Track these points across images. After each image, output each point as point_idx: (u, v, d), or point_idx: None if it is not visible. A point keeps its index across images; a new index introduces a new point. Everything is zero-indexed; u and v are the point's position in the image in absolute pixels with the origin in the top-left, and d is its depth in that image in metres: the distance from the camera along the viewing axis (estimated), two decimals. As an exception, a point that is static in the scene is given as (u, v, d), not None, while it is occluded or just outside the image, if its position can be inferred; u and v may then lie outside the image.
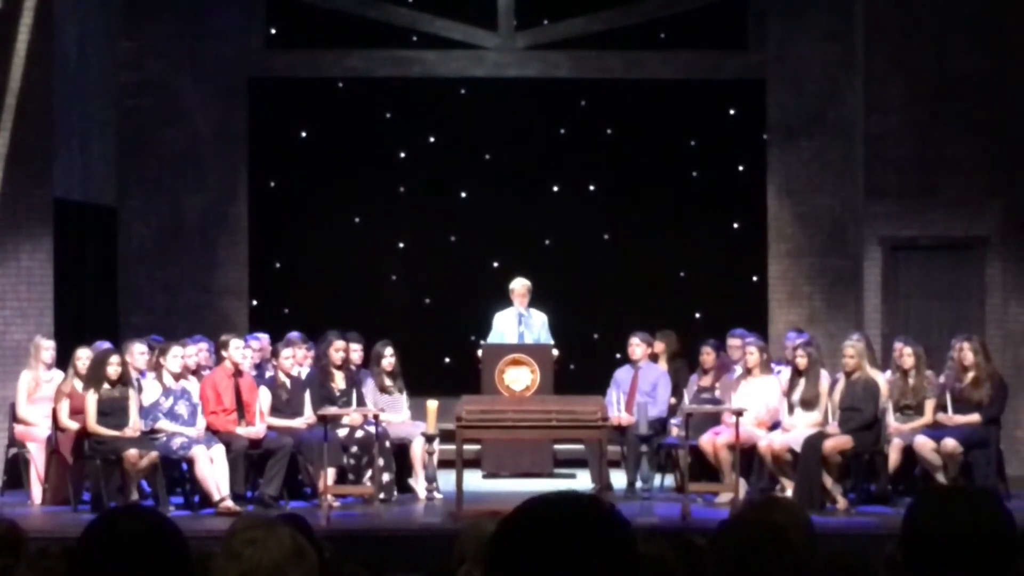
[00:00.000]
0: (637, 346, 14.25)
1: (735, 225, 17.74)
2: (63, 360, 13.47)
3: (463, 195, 17.98)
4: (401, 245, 17.95)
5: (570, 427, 12.56)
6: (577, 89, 17.70)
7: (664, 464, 14.24)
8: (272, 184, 17.66)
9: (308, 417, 13.26)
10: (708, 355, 14.14)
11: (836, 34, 16.74)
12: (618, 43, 17.31)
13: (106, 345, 13.36)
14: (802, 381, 13.17)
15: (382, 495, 13.05)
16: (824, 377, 13.25)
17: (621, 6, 17.31)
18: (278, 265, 17.67)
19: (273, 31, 17.47)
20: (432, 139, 17.94)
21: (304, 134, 17.80)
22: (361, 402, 13.42)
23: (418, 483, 13.57)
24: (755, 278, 17.25)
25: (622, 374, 14.31)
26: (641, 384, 14.13)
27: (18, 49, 14.94)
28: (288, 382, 13.53)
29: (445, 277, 17.56)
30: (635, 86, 17.45)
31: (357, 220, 17.88)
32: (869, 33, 16.25)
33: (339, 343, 13.78)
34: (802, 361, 13.17)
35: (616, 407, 13.80)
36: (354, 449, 13.41)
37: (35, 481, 13.33)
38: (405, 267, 17.74)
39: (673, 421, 13.95)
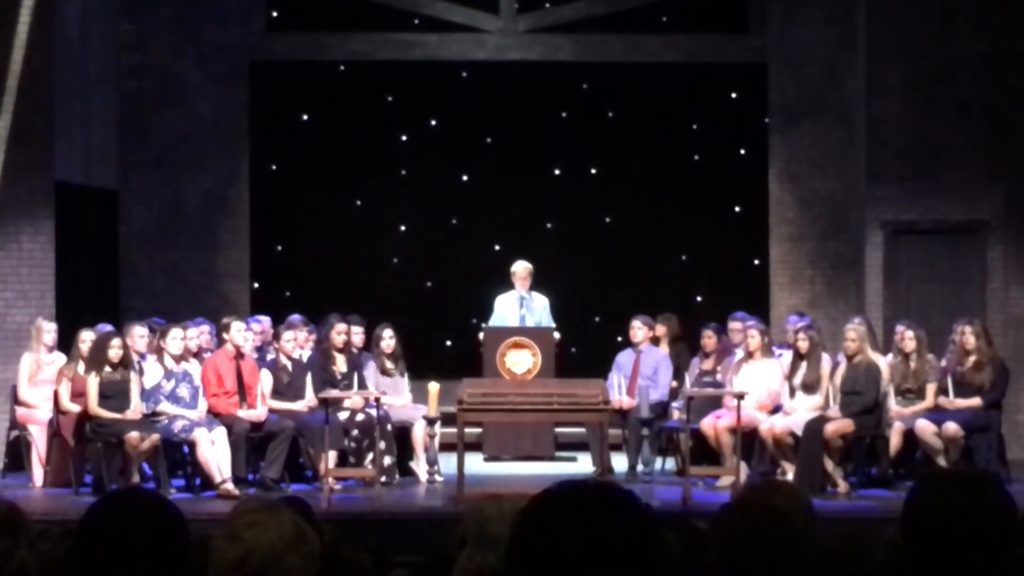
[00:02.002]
0: (639, 329, 14.27)
1: (736, 209, 17.74)
2: (64, 343, 13.48)
3: (464, 178, 17.98)
4: (402, 228, 17.96)
5: (571, 410, 12.56)
6: (579, 72, 17.70)
7: (665, 447, 14.26)
8: (273, 167, 17.66)
9: (309, 400, 13.27)
10: (709, 339, 14.15)
11: (837, 18, 16.75)
12: (620, 26, 17.33)
13: (107, 328, 13.37)
14: (803, 365, 13.18)
15: (383, 478, 13.06)
16: (825, 361, 13.25)
17: (623, -11, 17.35)
18: (279, 248, 17.67)
19: (275, 14, 17.48)
20: (434, 122, 17.93)
21: (305, 117, 17.80)
22: (362, 385, 13.44)
23: (419, 466, 13.60)
24: (756, 262, 17.26)
25: (624, 357, 14.31)
26: (643, 368, 14.14)
27: (19, 32, 14.94)
28: (289, 365, 13.54)
29: (446, 260, 17.56)
30: (637, 69, 17.44)
31: (358, 203, 17.88)
32: (871, 17, 16.26)
33: (340, 326, 13.78)
34: (803, 344, 13.17)
35: (618, 390, 13.81)
36: (355, 432, 13.42)
37: (36, 464, 13.35)
38: (406, 250, 17.74)
39: (674, 404, 13.96)
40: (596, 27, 17.34)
